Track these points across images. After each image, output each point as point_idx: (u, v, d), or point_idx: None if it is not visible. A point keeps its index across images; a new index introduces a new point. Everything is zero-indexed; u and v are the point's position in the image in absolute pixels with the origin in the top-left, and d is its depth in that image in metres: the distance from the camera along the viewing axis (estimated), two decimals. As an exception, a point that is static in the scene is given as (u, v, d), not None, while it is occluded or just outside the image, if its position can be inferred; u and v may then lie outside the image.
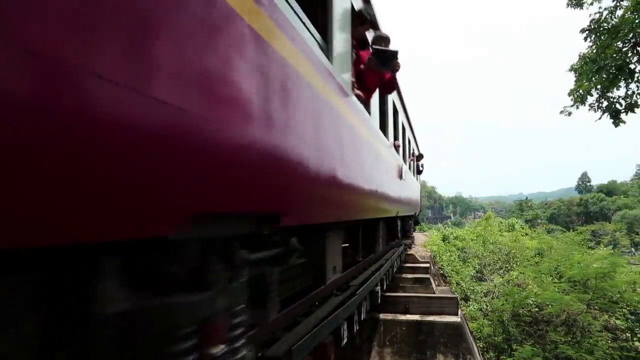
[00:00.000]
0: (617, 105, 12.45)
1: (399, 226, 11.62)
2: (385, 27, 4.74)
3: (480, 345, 13.96)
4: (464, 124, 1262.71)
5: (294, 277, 3.44)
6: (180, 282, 1.37)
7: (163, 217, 1.15)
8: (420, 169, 15.52)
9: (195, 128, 1.24)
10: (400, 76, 5.16)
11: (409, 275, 10.68)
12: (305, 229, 2.77)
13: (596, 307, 15.32)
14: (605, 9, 12.46)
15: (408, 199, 9.31)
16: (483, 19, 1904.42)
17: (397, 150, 7.53)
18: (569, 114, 13.80)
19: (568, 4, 13.49)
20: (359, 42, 4.05)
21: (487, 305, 17.16)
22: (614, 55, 11.83)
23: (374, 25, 4.19)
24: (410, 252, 14.34)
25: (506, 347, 14.35)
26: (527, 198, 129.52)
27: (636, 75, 11.92)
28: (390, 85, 4.75)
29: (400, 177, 7.34)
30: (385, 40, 4.19)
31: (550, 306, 14.98)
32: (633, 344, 13.99)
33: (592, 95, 12.83)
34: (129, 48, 1.00)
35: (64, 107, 0.85)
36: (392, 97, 7.29)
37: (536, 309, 15.45)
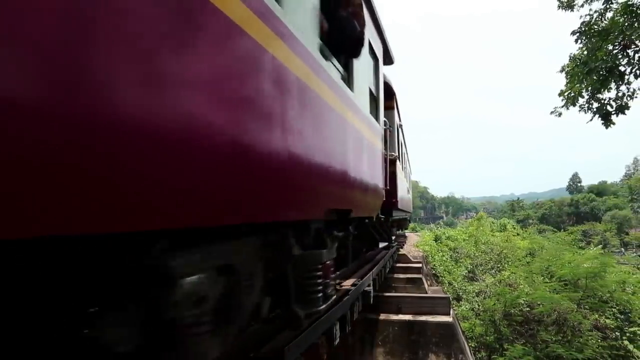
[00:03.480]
0: (608, 107, 12.58)
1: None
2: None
3: (472, 345, 14.04)
4: (456, 124, 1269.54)
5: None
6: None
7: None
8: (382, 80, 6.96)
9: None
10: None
11: (402, 275, 10.71)
12: None
13: (586, 307, 15.46)
14: (595, 11, 12.60)
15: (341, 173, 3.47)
16: (478, 15, 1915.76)
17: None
18: (560, 114, 13.93)
19: (559, 6, 13.62)
20: None
21: (478, 305, 17.25)
22: (604, 57, 11.95)
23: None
24: (402, 252, 14.38)
25: (498, 346, 14.44)
26: (518, 198, 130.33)
27: (626, 77, 12.06)
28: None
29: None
30: None
31: (541, 305, 15.10)
32: (622, 342, 14.14)
33: (582, 96, 12.96)
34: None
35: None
36: None
37: (527, 309, 15.56)
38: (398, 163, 9.62)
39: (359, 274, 5.97)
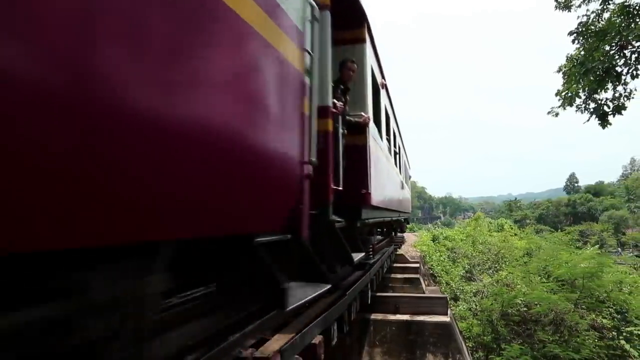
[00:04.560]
0: (605, 108, 12.61)
1: None
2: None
3: (470, 345, 14.06)
4: (454, 124, 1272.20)
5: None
6: None
7: None
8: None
9: None
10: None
11: (399, 275, 10.71)
12: None
13: (583, 307, 15.50)
14: (592, 12, 12.64)
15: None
16: (479, 12, 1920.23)
17: None
18: (556, 114, 13.95)
19: (556, 7, 13.65)
20: None
21: (476, 305, 17.27)
22: (601, 57, 11.98)
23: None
24: (400, 252, 14.39)
25: (495, 346, 14.45)
26: (516, 198, 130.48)
27: (623, 77, 12.09)
28: None
29: None
30: None
31: (538, 305, 15.12)
32: (619, 342, 14.17)
33: (579, 97, 12.98)
34: None
35: None
36: None
37: (525, 309, 15.58)
38: (373, 132, 6.06)
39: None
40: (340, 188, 4.10)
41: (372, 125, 5.82)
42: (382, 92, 7.87)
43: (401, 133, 13.97)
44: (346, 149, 4.74)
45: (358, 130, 5.40)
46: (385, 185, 7.30)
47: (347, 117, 5.01)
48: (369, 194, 5.33)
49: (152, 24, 1.32)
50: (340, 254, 4.13)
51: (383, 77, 7.92)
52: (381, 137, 7.23)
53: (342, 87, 4.97)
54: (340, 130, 4.42)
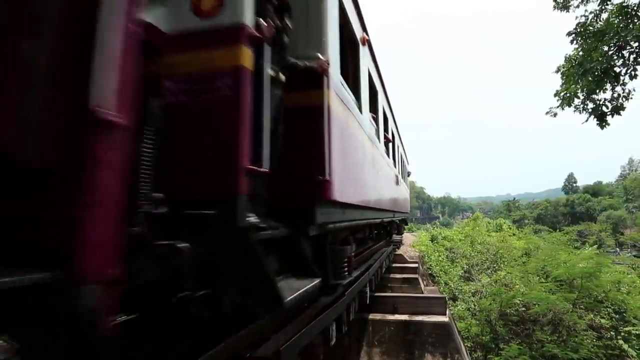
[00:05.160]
0: (603, 108, 12.62)
1: None
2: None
3: (468, 345, 14.07)
4: (453, 123, 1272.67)
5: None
6: None
7: None
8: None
9: None
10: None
11: (398, 275, 10.73)
12: None
13: (582, 307, 15.53)
14: (590, 12, 12.65)
15: None
16: (479, 12, 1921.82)
17: None
18: (555, 115, 13.96)
19: (555, 7, 13.66)
20: None
21: (474, 305, 17.29)
22: (600, 58, 11.99)
23: None
24: (398, 252, 14.40)
25: (493, 346, 14.47)
26: (514, 199, 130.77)
27: (621, 78, 12.10)
28: None
29: None
30: None
31: (536, 305, 15.14)
32: (617, 342, 14.20)
33: (578, 97, 12.99)
34: None
35: None
36: None
37: (523, 309, 15.60)
38: (338, 89, 3.82)
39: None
40: (265, 169, 2.49)
41: (334, 74, 3.66)
42: (364, 51, 5.58)
43: (395, 118, 11.59)
44: (288, 112, 3.06)
45: (309, 81, 3.31)
46: (365, 174, 5.16)
47: (290, 60, 3.12)
48: (329, 182, 3.22)
49: None
50: (263, 287, 2.33)
51: (364, 28, 5.53)
52: (361, 110, 5.09)
53: (275, 1, 2.93)
54: (269, 72, 2.67)
